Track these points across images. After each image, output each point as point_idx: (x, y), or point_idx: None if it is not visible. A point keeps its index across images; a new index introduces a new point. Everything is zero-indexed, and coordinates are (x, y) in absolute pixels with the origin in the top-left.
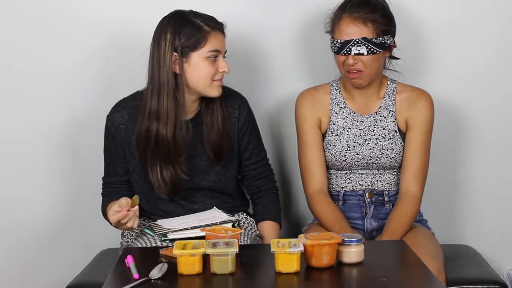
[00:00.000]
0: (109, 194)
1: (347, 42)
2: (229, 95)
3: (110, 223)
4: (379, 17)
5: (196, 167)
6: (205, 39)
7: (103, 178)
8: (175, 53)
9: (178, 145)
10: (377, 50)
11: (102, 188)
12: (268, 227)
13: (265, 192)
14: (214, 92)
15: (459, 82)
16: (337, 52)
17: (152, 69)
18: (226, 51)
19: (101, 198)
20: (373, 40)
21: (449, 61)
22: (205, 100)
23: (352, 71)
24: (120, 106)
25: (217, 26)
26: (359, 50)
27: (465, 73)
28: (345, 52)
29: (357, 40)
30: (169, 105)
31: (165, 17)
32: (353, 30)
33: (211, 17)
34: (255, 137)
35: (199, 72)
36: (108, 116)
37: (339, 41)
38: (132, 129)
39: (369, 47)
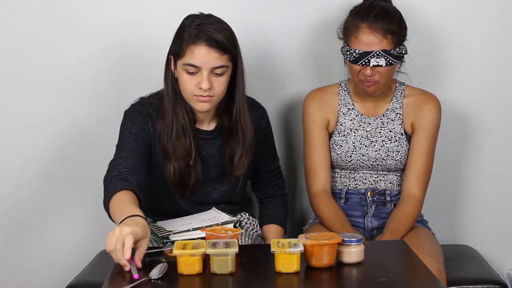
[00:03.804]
0: (113, 180)
1: (366, 53)
2: (249, 106)
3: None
4: (396, 28)
5: (211, 176)
6: (183, 50)
7: (111, 162)
8: (171, 56)
9: (181, 148)
10: (394, 62)
11: (108, 172)
12: (274, 231)
13: (275, 198)
14: (197, 106)
15: (463, 83)
16: (354, 62)
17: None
18: (220, 67)
19: (104, 186)
20: (391, 51)
21: (455, 63)
22: (226, 116)
23: (368, 81)
24: (145, 103)
25: (201, 37)
26: (378, 62)
27: (469, 75)
28: (363, 63)
29: (377, 52)
30: (169, 108)
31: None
32: (372, 41)
33: (205, 29)
34: (271, 147)
35: (181, 82)
36: (134, 106)
37: (357, 51)
38: (156, 127)
39: (388, 59)
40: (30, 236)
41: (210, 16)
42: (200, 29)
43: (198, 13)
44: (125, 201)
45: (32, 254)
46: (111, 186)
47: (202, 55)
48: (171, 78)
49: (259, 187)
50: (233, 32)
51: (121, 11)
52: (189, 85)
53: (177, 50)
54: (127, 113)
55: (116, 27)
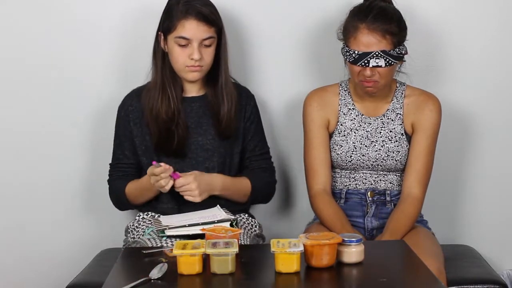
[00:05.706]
0: (119, 177)
1: (365, 54)
2: (236, 87)
3: (121, 204)
4: (395, 28)
5: (201, 144)
6: (174, 25)
7: (111, 164)
8: (161, 32)
9: (164, 114)
10: (394, 62)
11: (110, 173)
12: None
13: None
14: (188, 76)
15: (463, 83)
16: (353, 63)
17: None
18: (208, 38)
19: (108, 185)
20: (390, 52)
21: (455, 63)
22: (212, 85)
23: (368, 81)
24: (131, 92)
25: (190, 13)
26: (377, 63)
27: (469, 75)
28: (363, 63)
29: (376, 53)
30: (157, 80)
31: None
32: (371, 42)
33: (193, 5)
34: (260, 131)
35: (173, 55)
36: (119, 108)
37: (356, 52)
38: (142, 109)
39: (387, 60)
40: (30, 236)
41: None
42: (189, 5)
43: None
44: (135, 182)
45: (32, 254)
46: (115, 187)
47: (193, 28)
48: (160, 52)
49: (248, 170)
50: (216, 8)
51: (120, 12)
52: (181, 57)
53: (168, 25)
54: (117, 112)
55: (115, 26)
